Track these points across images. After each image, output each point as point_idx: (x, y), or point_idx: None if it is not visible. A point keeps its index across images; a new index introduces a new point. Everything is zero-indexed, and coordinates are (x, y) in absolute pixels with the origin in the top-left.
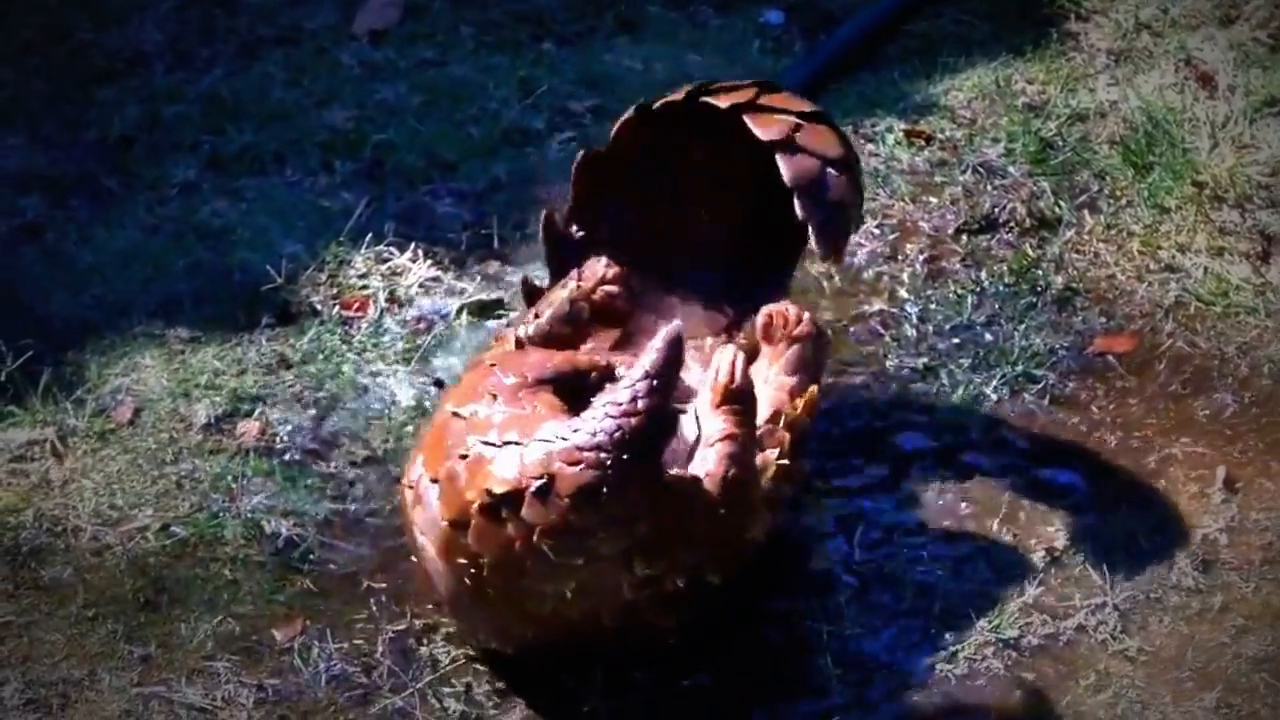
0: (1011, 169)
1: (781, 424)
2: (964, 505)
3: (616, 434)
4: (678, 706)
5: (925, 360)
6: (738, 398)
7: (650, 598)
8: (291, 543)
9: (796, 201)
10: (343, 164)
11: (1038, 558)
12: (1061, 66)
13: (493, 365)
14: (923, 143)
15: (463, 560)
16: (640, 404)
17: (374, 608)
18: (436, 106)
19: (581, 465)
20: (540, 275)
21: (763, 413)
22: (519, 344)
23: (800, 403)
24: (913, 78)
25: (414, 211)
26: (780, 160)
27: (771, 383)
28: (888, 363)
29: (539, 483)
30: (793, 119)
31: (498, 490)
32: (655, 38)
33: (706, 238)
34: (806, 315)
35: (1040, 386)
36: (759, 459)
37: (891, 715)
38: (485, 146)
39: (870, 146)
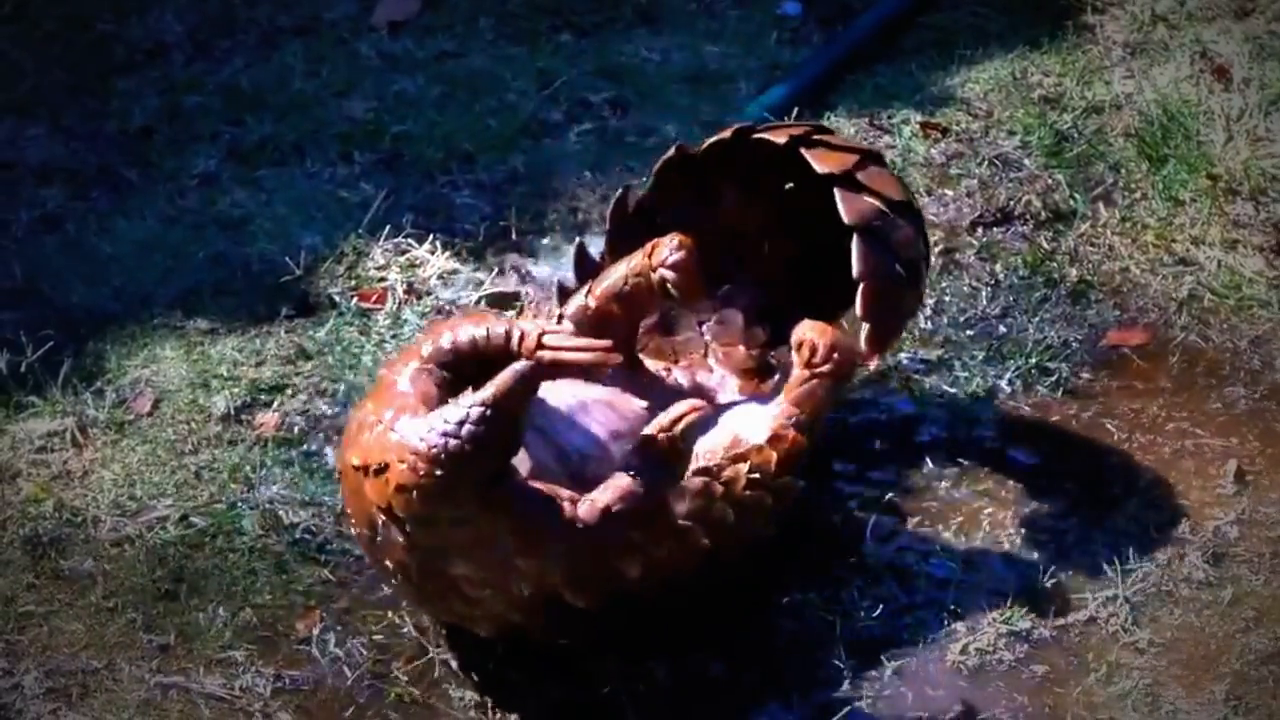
0: (1027, 161)
1: (770, 444)
2: (976, 497)
3: (434, 450)
4: (694, 696)
5: (939, 352)
6: (661, 451)
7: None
8: (310, 533)
9: (855, 243)
10: (361, 155)
11: (1049, 549)
12: (1077, 59)
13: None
14: (939, 135)
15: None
16: (464, 430)
17: (391, 597)
18: (455, 98)
19: (405, 465)
20: (555, 266)
21: (760, 431)
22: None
23: (791, 435)
24: (929, 70)
25: (432, 203)
26: (839, 197)
27: (778, 404)
28: (901, 355)
29: (376, 466)
30: (853, 156)
31: (354, 462)
32: (673, 29)
33: (761, 263)
34: (836, 352)
35: (1054, 379)
36: (730, 472)
37: (903, 707)
38: (503, 138)
39: (886, 139)
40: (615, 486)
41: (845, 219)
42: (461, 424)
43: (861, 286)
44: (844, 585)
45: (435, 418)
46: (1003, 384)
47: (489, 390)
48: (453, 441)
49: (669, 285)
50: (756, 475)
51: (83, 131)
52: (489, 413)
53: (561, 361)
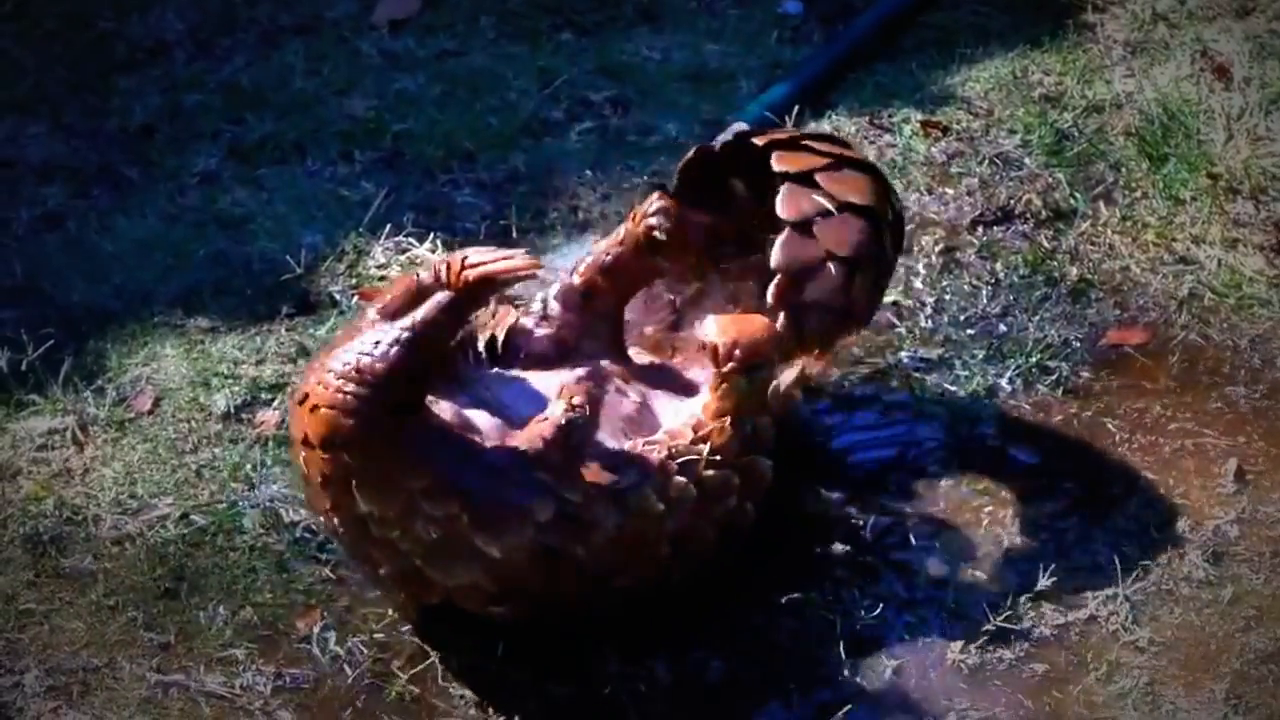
0: (1027, 160)
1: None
2: (976, 496)
3: (348, 368)
4: (694, 694)
5: (940, 351)
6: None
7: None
8: (310, 531)
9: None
10: (362, 154)
11: (1049, 548)
12: (1078, 58)
13: None
14: (939, 134)
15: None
16: (379, 350)
17: (390, 596)
18: (456, 96)
19: (321, 385)
20: (556, 264)
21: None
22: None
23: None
24: (930, 69)
25: (433, 201)
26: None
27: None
28: (902, 353)
29: (300, 397)
30: (824, 159)
31: (297, 396)
32: (674, 28)
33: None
34: (738, 349)
35: (1054, 378)
36: (687, 448)
37: (904, 705)
38: (504, 137)
39: (887, 137)
40: (524, 431)
41: (779, 213)
42: (378, 344)
43: (775, 279)
44: (844, 584)
45: (357, 342)
46: (1003, 383)
47: (410, 317)
48: (365, 359)
49: (655, 231)
50: (718, 456)
51: (84, 130)
52: (407, 336)
53: (488, 275)
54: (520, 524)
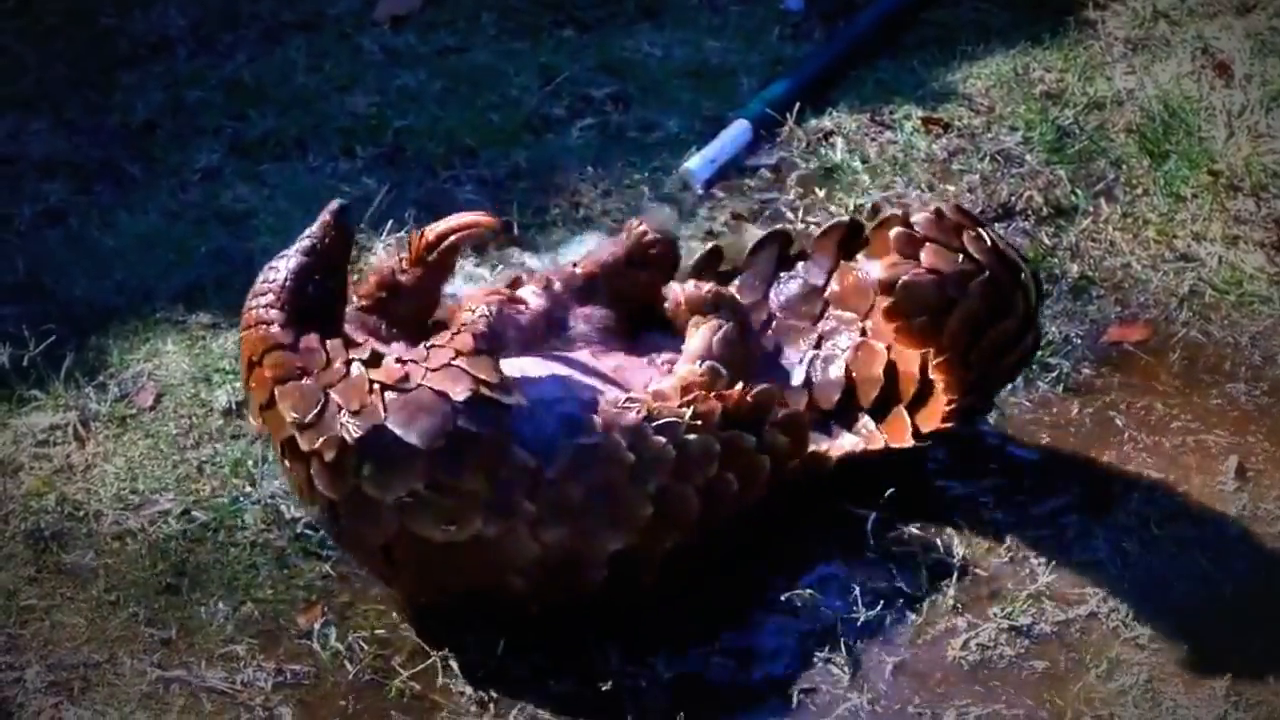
0: (1028, 157)
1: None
2: (976, 492)
3: (259, 290)
4: (696, 692)
5: None
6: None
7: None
8: (311, 528)
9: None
10: (364, 150)
11: (1050, 545)
12: (1079, 55)
13: None
14: (940, 131)
15: None
16: (283, 265)
17: (391, 592)
18: (457, 93)
19: (246, 311)
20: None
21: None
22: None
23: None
24: (931, 65)
25: (434, 198)
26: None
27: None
28: None
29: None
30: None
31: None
32: (675, 24)
33: None
34: (709, 294)
35: (1054, 374)
36: (664, 407)
37: (905, 701)
38: (506, 133)
39: (888, 134)
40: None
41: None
42: (275, 266)
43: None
44: (844, 581)
45: (266, 268)
46: None
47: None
48: (268, 279)
49: (650, 247)
50: (699, 421)
51: (85, 126)
52: (298, 250)
53: (443, 236)
54: (440, 417)
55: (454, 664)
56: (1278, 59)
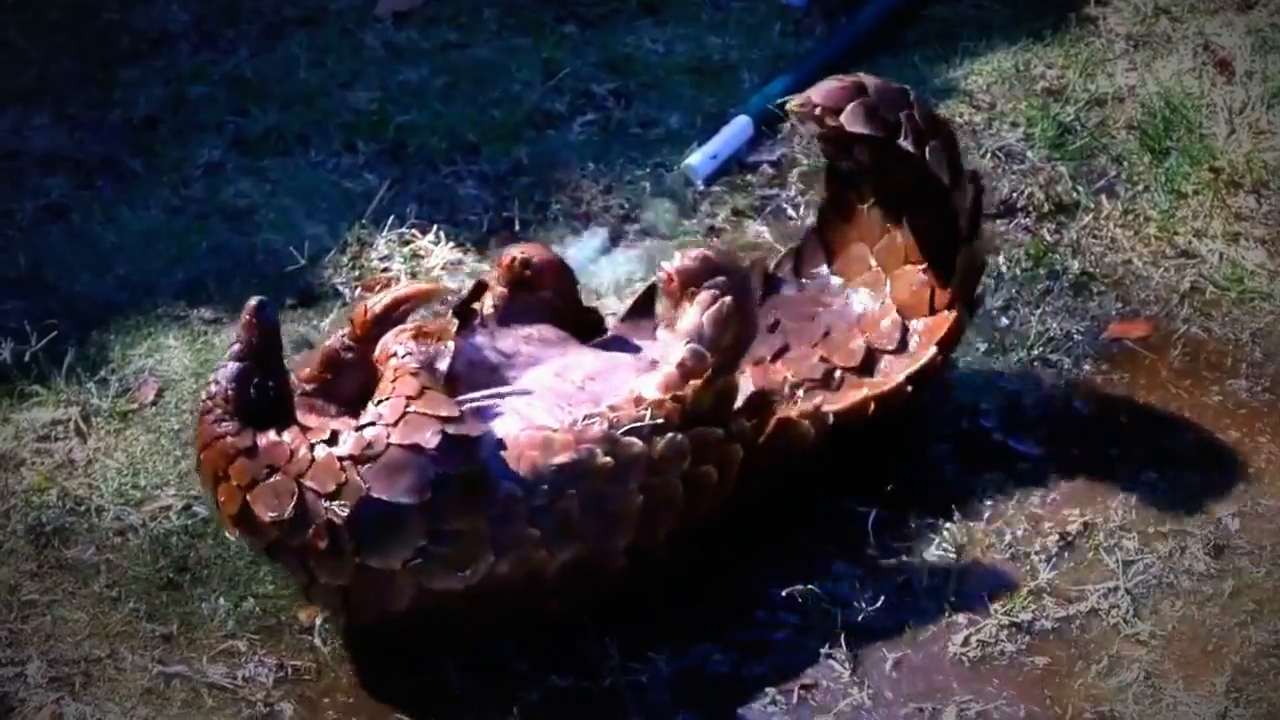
0: (1029, 153)
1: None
2: (978, 488)
3: (204, 406)
4: (696, 688)
5: None
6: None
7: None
8: None
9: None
10: (366, 145)
11: (1050, 541)
12: (1080, 51)
13: None
14: None
15: None
16: (220, 372)
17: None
18: (459, 88)
19: (197, 431)
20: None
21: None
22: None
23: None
24: (932, 61)
25: (436, 193)
26: None
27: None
28: None
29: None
30: None
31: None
32: (677, 20)
33: None
34: (707, 259)
35: (1055, 370)
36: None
37: (905, 698)
38: (508, 129)
39: None
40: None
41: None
42: (214, 379)
43: None
44: (844, 577)
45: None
46: (1005, 375)
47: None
48: (212, 386)
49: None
50: (660, 421)
51: (87, 121)
52: (234, 350)
53: (395, 305)
54: (411, 462)
55: (455, 660)
56: (1279, 55)
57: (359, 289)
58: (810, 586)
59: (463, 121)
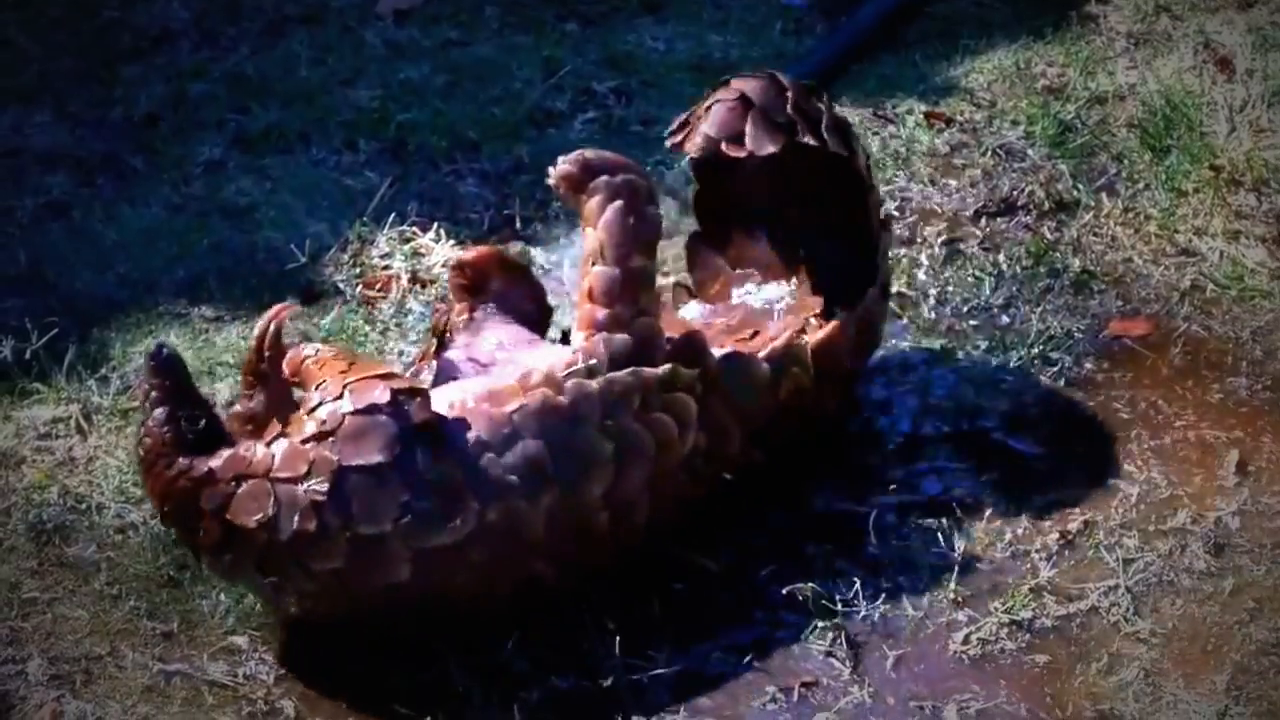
0: (1030, 152)
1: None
2: (979, 487)
3: (140, 456)
4: (697, 686)
5: (943, 342)
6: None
7: None
8: None
9: None
10: (367, 143)
11: (1051, 539)
12: (1081, 49)
13: None
14: (942, 125)
15: None
16: (148, 421)
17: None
18: (460, 86)
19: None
20: (558, 255)
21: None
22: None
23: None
24: (933, 60)
25: (437, 191)
26: None
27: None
28: (905, 344)
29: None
30: None
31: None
32: (678, 18)
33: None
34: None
35: (1056, 369)
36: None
37: (906, 696)
38: (508, 127)
39: (890, 128)
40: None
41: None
42: (141, 426)
43: None
44: (846, 575)
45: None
46: (1006, 374)
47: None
48: (146, 440)
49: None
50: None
51: (88, 119)
52: (151, 399)
53: (263, 333)
54: (372, 423)
55: (456, 657)
56: (1279, 53)
57: (360, 286)
58: (811, 585)
59: (464, 119)
